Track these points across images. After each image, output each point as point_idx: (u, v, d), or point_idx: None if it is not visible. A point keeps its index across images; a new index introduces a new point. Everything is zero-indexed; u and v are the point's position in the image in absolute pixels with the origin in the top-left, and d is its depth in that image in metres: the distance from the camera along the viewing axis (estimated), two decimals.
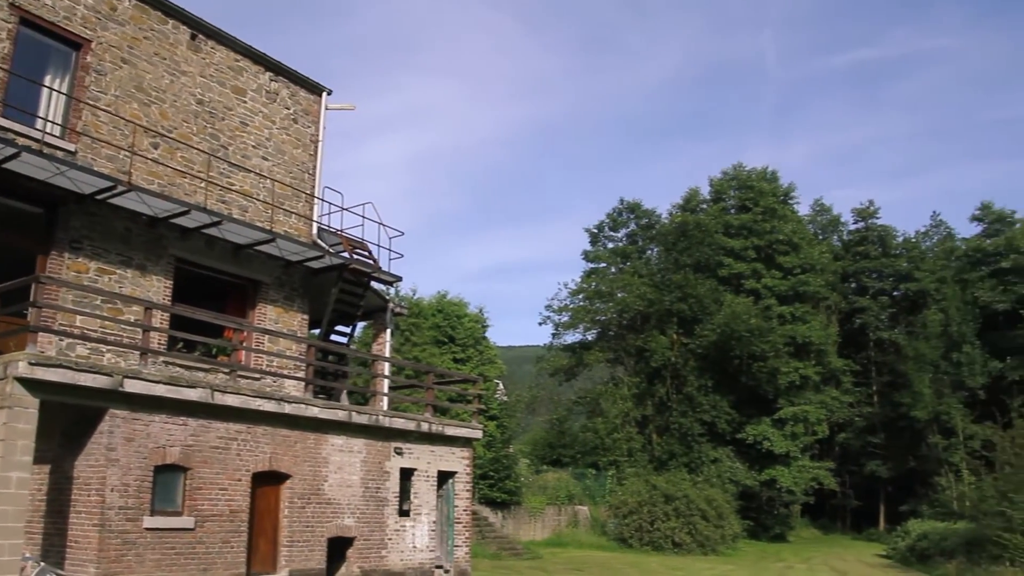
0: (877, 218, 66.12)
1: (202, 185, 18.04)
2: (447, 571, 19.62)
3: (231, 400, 14.74)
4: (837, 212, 68.39)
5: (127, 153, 16.52)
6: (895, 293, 64.15)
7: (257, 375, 17.94)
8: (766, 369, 49.55)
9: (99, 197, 15.57)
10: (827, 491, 55.77)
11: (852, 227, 67.60)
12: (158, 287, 16.93)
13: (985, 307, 58.12)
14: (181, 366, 16.45)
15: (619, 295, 54.23)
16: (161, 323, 16.43)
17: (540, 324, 69.66)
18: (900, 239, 65.70)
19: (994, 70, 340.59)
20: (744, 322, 48.40)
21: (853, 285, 65.03)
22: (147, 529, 13.16)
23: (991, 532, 28.43)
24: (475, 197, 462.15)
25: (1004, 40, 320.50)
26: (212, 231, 17.52)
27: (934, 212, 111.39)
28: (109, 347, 15.52)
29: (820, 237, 64.82)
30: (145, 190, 15.96)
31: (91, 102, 16.22)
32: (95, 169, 15.59)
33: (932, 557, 33.61)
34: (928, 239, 67.12)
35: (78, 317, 15.28)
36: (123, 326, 15.69)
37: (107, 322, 15.46)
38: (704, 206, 60.13)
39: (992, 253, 60.32)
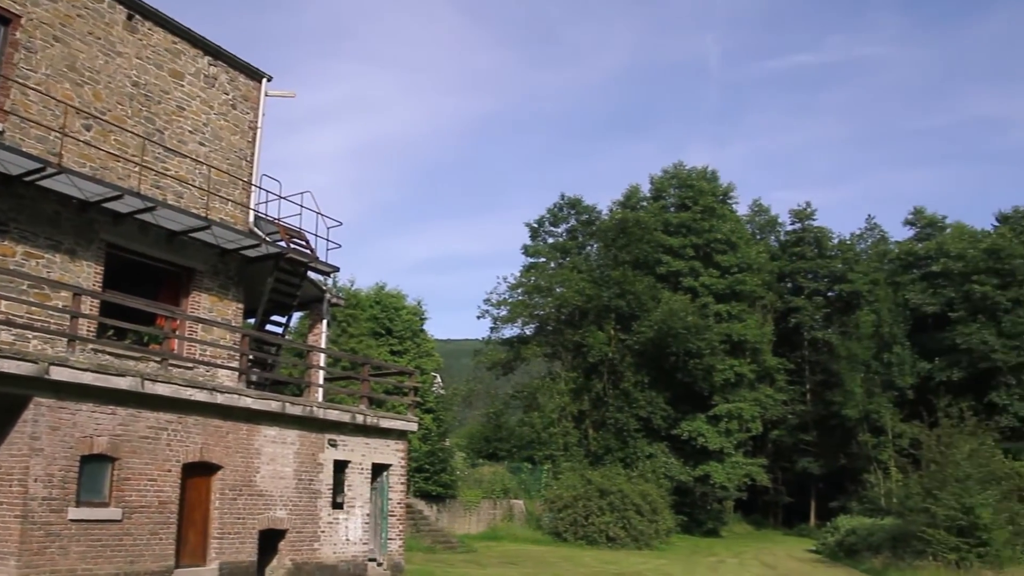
0: (813, 220, 67.14)
1: (136, 169, 17.63)
2: (380, 564, 19.48)
3: (162, 389, 14.44)
4: (775, 213, 69.34)
5: (58, 134, 16.06)
6: (829, 294, 65.23)
7: (189, 364, 17.61)
8: (702, 366, 50.07)
9: (27, 179, 15.12)
10: (760, 487, 56.54)
11: (789, 228, 68.58)
12: (88, 273, 16.50)
13: (915, 309, 59.53)
14: (111, 354, 16.08)
15: (558, 290, 54.43)
16: (91, 310, 16.05)
17: (478, 318, 69.53)
18: (835, 241, 66.81)
19: (926, 80, 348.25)
20: (681, 319, 48.83)
21: (789, 285, 65.96)
22: (72, 521, 12.84)
23: (916, 528, 29.09)
24: (417, 189, 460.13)
25: (934, 51, 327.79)
26: (146, 217, 17.13)
27: (869, 215, 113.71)
28: (35, 333, 15.10)
29: (757, 237, 65.65)
30: (76, 173, 15.54)
31: (20, 80, 15.73)
32: (23, 150, 15.12)
33: (860, 552, 34.26)
34: (863, 241, 68.41)
35: (3, 302, 14.81)
36: (50, 312, 15.28)
37: (33, 307, 15.02)
38: (644, 203, 60.57)
39: (923, 257, 61.77)
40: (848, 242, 67.20)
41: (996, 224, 63.88)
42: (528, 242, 60.51)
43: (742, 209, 64.88)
